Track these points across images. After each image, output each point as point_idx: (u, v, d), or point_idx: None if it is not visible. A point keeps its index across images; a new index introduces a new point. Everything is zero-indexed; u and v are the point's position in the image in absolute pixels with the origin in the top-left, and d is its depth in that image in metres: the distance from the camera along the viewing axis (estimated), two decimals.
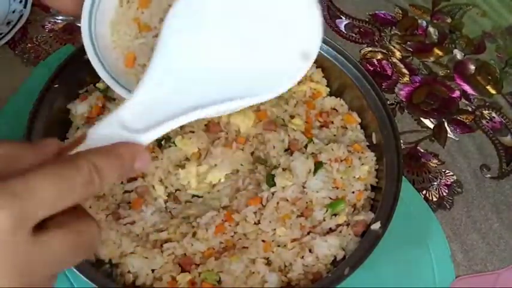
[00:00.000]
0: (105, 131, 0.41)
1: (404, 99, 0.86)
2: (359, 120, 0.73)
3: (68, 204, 0.34)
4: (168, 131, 0.43)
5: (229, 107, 0.46)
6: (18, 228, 0.32)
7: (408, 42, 0.93)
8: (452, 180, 0.79)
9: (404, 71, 0.90)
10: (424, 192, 0.77)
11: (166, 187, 0.67)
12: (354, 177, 0.67)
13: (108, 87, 0.71)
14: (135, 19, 0.55)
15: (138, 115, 0.43)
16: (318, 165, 0.66)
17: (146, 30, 0.55)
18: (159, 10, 0.55)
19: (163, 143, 0.67)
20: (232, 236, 0.63)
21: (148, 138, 0.42)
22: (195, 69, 0.46)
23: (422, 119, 0.85)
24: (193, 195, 0.68)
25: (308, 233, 0.63)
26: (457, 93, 0.88)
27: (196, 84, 0.46)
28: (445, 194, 0.78)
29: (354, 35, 0.93)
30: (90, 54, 0.52)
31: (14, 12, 0.85)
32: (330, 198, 0.65)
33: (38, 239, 0.33)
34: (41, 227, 0.33)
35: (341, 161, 0.67)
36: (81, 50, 0.69)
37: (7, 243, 0.32)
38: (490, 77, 0.91)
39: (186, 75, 0.46)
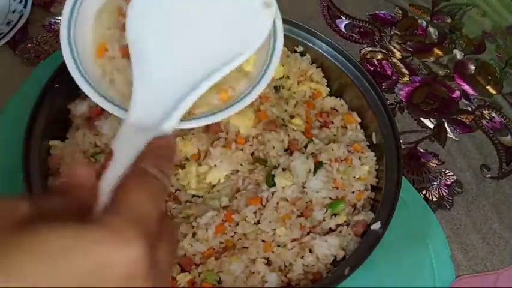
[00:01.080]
0: (126, 138, 0.41)
1: (404, 99, 0.86)
2: (359, 120, 0.73)
3: (161, 213, 0.35)
4: (184, 112, 0.44)
5: (220, 74, 0.48)
6: (150, 261, 0.31)
7: (408, 42, 0.93)
8: (452, 180, 0.79)
9: (404, 71, 0.90)
10: (424, 192, 0.77)
11: None
12: (354, 177, 0.67)
13: None
14: (118, 9, 0.55)
15: (146, 111, 0.44)
16: (318, 165, 0.66)
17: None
18: None
19: None
20: (232, 236, 0.63)
21: (169, 126, 0.42)
22: (173, 50, 0.49)
23: (422, 119, 0.85)
24: (193, 195, 0.68)
25: (308, 233, 0.63)
26: (457, 93, 0.88)
27: (180, 65, 0.48)
28: (445, 194, 0.78)
29: (354, 35, 0.93)
30: (63, 39, 0.51)
31: (14, 12, 0.85)
32: (330, 198, 0.65)
33: (154, 259, 0.32)
34: None
35: (341, 161, 0.67)
36: None
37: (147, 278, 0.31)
38: (490, 77, 0.91)
39: (168, 57, 0.48)
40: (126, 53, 0.51)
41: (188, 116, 0.51)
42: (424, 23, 0.96)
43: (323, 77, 0.76)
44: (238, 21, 0.52)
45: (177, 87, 0.47)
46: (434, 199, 0.77)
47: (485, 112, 0.87)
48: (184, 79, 0.47)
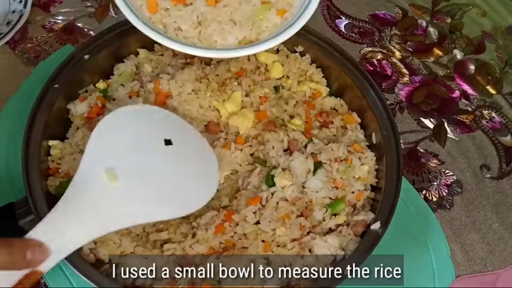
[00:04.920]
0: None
1: (404, 99, 0.86)
2: (359, 120, 0.73)
3: None
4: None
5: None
6: None
7: (408, 42, 0.93)
8: (452, 180, 0.79)
9: (404, 71, 0.90)
10: (424, 192, 0.77)
11: None
12: (354, 177, 0.67)
13: (107, 87, 0.72)
14: None
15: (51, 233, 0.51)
16: (318, 165, 0.66)
17: None
18: None
19: None
20: (232, 236, 0.63)
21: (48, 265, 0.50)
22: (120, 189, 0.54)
23: (422, 119, 0.85)
24: None
25: (308, 233, 0.63)
26: (457, 93, 0.88)
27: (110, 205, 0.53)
28: (445, 194, 0.78)
29: (354, 35, 0.93)
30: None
31: (14, 12, 0.85)
32: (330, 198, 0.65)
33: None
34: None
35: (341, 161, 0.67)
36: (81, 50, 0.69)
37: None
38: (490, 77, 0.91)
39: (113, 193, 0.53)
40: (178, 1, 0.54)
41: (255, 40, 0.55)
42: (424, 23, 0.96)
43: (323, 77, 0.76)
44: (180, 191, 0.57)
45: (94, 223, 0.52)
46: (434, 199, 0.77)
47: (485, 112, 0.87)
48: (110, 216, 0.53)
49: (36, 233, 0.50)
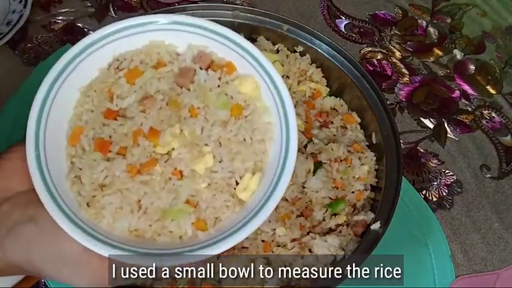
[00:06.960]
0: None
1: (404, 99, 0.86)
2: (359, 120, 0.73)
3: None
4: None
5: None
6: None
7: (408, 42, 0.93)
8: (452, 180, 0.79)
9: (404, 71, 0.90)
10: (424, 192, 0.77)
11: None
12: (354, 177, 0.67)
13: None
14: (109, 89, 0.47)
15: None
16: (318, 165, 0.66)
17: (112, 115, 0.46)
18: (138, 93, 0.46)
19: None
20: None
21: None
22: None
23: (422, 119, 0.85)
24: None
25: (308, 233, 0.63)
26: (457, 93, 0.88)
27: None
28: (445, 194, 0.78)
29: (354, 35, 0.93)
30: (34, 111, 0.44)
31: (14, 12, 0.85)
32: (330, 198, 0.65)
33: None
34: None
35: (341, 161, 0.67)
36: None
37: None
38: (490, 77, 0.91)
39: None
40: (100, 148, 0.45)
41: (145, 241, 0.43)
42: (424, 23, 0.97)
43: (323, 77, 0.76)
44: None
45: None
46: (434, 199, 0.77)
47: (485, 112, 0.87)
48: None
49: None
